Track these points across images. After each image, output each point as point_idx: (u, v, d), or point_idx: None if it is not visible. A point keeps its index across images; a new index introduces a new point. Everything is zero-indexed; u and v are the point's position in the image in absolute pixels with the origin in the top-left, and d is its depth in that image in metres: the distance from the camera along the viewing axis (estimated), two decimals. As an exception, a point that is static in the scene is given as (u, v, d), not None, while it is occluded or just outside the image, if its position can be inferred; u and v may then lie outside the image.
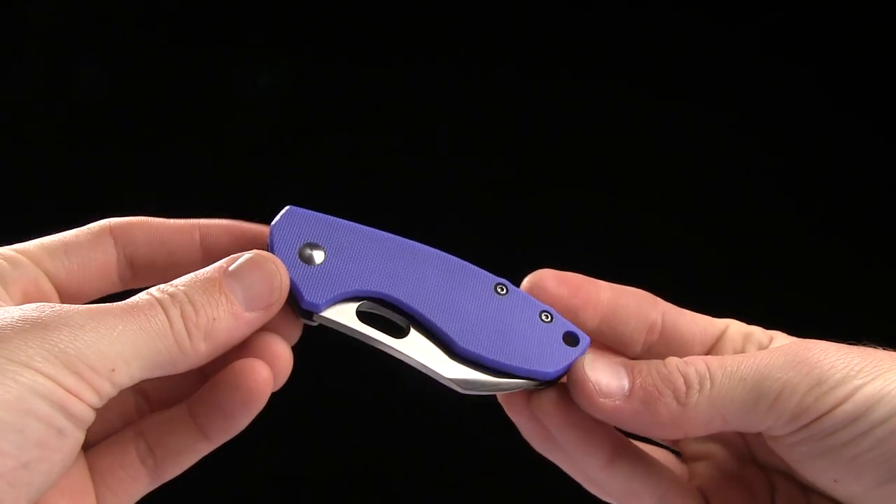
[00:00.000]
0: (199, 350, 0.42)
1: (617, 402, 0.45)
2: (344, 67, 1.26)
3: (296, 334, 0.47)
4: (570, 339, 0.47)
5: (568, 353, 0.47)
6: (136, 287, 0.47)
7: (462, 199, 1.23)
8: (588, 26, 1.27)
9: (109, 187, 1.27)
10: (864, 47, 1.27)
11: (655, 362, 0.46)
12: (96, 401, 0.40)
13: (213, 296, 0.42)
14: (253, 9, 1.28)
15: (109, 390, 0.40)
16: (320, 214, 0.48)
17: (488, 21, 1.28)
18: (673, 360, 0.46)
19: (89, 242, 0.48)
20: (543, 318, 0.48)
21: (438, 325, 0.47)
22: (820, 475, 0.44)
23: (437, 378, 0.47)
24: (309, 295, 0.46)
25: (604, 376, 0.46)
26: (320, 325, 0.47)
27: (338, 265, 0.47)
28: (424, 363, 0.47)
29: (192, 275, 0.43)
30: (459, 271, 0.48)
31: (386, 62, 1.27)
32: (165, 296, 0.42)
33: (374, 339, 0.47)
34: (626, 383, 0.45)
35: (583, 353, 0.47)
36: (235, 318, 0.43)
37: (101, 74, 1.26)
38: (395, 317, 0.48)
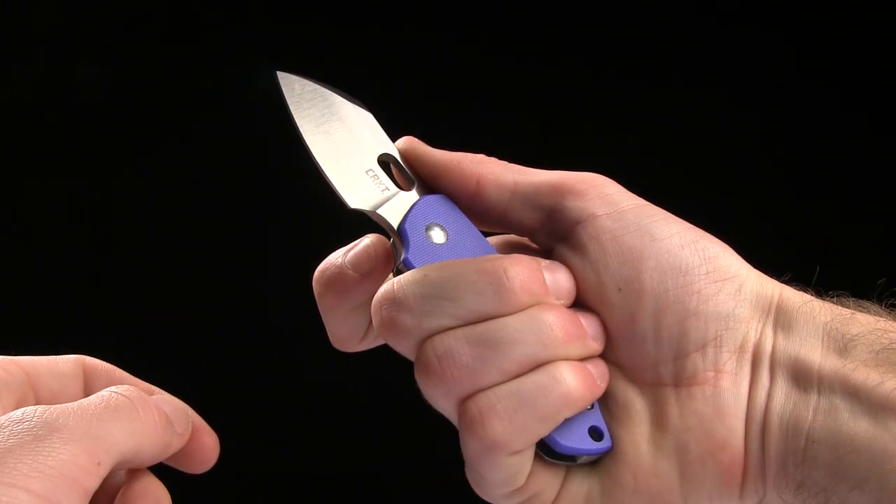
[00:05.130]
0: (169, 434, 0.46)
1: None
2: (343, 66, 1.26)
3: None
4: (595, 434, 0.47)
5: (586, 442, 0.47)
6: None
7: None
8: (587, 23, 1.28)
9: (110, 187, 1.27)
10: (866, 46, 1.28)
11: None
12: (85, 500, 0.41)
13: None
14: (254, 9, 1.28)
15: (95, 485, 0.42)
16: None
17: (489, 20, 1.28)
18: None
19: (70, 372, 0.50)
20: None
21: None
22: (600, 274, 0.48)
23: None
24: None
25: None
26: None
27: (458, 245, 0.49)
28: None
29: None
30: None
31: (386, 61, 1.27)
32: (129, 392, 0.45)
33: None
34: None
35: (598, 451, 0.47)
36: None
37: (101, 74, 1.26)
38: None
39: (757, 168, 1.27)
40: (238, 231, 1.27)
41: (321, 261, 0.51)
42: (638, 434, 0.47)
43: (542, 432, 0.45)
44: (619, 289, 0.47)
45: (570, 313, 0.47)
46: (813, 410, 0.45)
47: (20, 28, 1.25)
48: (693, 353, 0.46)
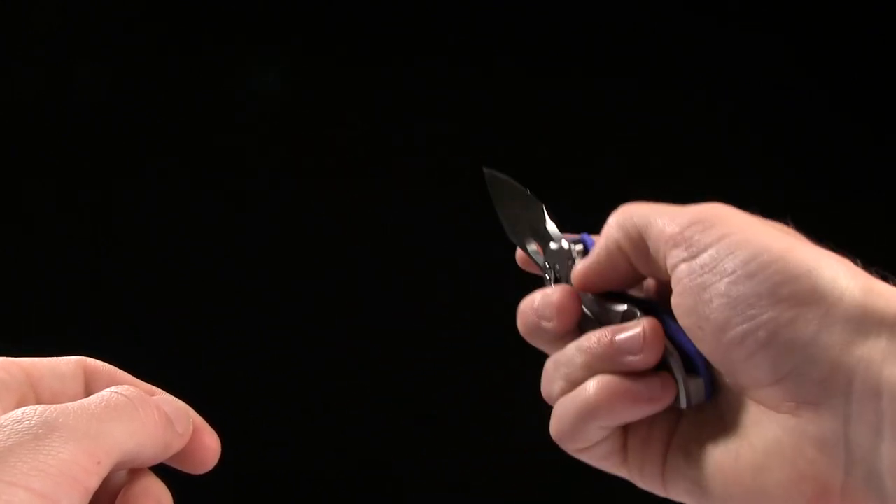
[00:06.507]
0: (169, 434, 0.45)
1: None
2: (343, 66, 1.26)
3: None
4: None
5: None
6: None
7: (462, 197, 1.23)
8: (585, 25, 1.28)
9: (110, 187, 1.27)
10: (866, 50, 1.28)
11: None
12: (86, 499, 0.41)
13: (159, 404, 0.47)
14: (255, 9, 1.28)
15: (95, 484, 0.41)
16: None
17: (488, 20, 1.28)
18: None
19: (71, 373, 0.49)
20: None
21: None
22: (686, 317, 0.46)
23: None
24: None
25: None
26: None
27: None
28: None
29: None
30: None
31: (386, 61, 1.27)
32: (129, 392, 0.45)
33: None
34: None
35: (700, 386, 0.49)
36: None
37: (102, 75, 1.26)
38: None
39: (757, 168, 1.27)
40: (238, 231, 1.27)
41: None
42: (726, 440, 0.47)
43: None
44: (700, 327, 0.46)
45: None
46: None
47: (20, 28, 1.25)
48: (770, 385, 0.44)
